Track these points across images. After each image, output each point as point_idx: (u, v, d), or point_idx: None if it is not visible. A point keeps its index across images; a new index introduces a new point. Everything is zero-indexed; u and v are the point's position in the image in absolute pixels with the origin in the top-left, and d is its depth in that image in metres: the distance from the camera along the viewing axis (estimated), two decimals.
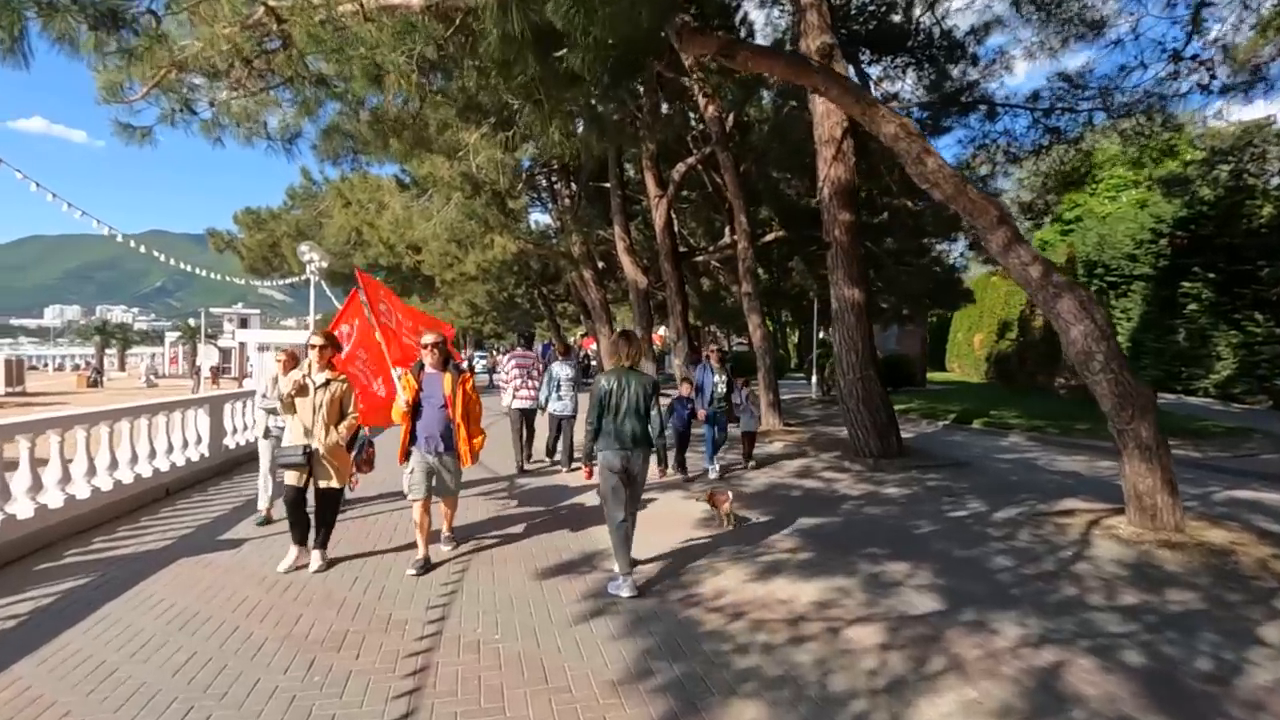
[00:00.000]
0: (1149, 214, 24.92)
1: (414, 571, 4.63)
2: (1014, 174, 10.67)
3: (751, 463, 8.79)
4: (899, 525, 6.09)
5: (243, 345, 20.13)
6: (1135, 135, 8.55)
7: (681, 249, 18.32)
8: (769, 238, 17.18)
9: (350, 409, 4.84)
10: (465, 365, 17.25)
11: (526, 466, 8.58)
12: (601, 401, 4.31)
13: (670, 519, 6.25)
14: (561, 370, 8.47)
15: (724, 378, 8.34)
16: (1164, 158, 10.02)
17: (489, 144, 11.56)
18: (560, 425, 8.63)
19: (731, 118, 13.56)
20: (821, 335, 23.33)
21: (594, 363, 32.69)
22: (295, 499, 4.71)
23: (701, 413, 8.11)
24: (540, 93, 5.73)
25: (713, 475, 8.13)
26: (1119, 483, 5.87)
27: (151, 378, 38.68)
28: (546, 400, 8.39)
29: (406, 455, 4.87)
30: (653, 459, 4.79)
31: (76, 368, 43.27)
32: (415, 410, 4.81)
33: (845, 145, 8.94)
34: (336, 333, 5.85)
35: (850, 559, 5.10)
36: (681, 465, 8.24)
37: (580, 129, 6.87)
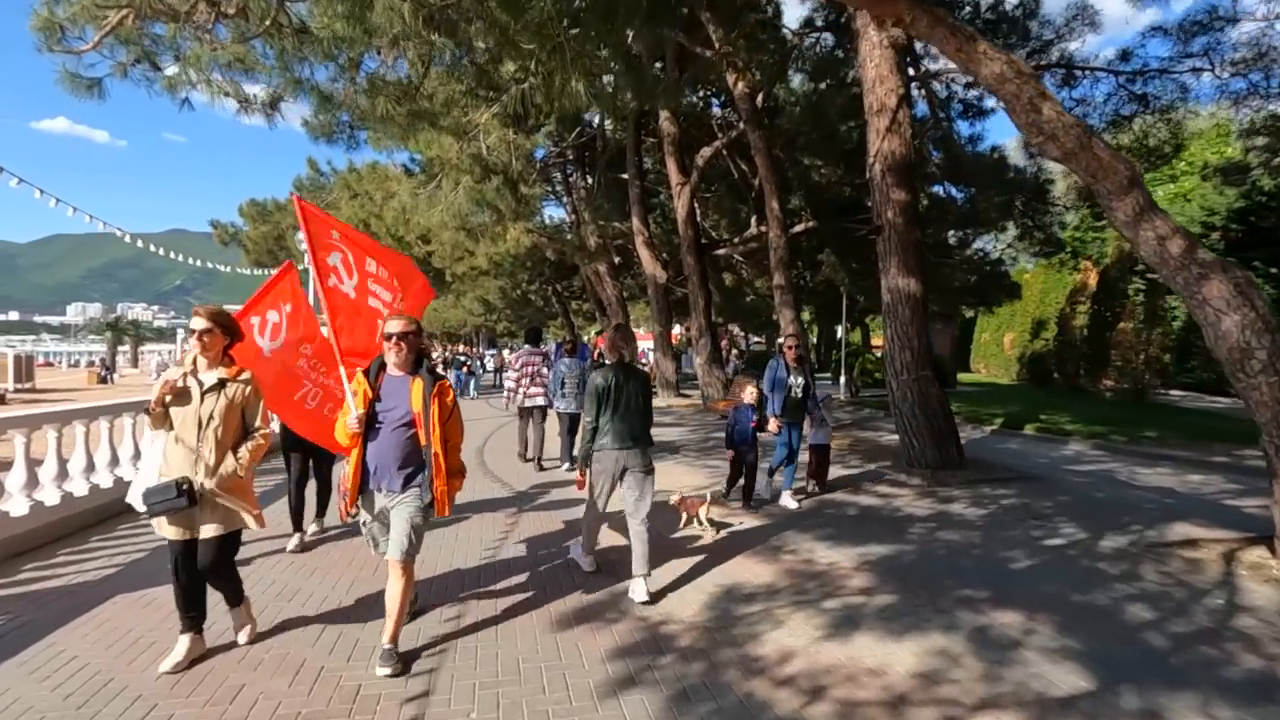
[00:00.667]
0: (1198, 205, 23.54)
1: (387, 671, 3.12)
2: None
3: (814, 485, 7.01)
4: (988, 557, 5.05)
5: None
6: (1248, 97, 7.31)
7: (703, 241, 17.31)
8: (798, 228, 16.10)
9: (256, 423, 3.32)
10: (478, 363, 16.26)
11: (542, 467, 8.42)
12: (599, 399, 4.15)
13: (711, 545, 5.26)
14: (566, 368, 8.30)
15: (802, 380, 6.57)
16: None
17: (500, 123, 10.65)
18: (569, 423, 8.34)
19: (761, 96, 12.54)
20: (841, 333, 22.19)
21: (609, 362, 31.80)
22: (182, 562, 3.19)
23: (774, 423, 6.41)
24: (561, 33, 4.77)
25: (790, 505, 6.40)
26: (1238, 505, 4.79)
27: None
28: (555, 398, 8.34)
29: (357, 500, 3.30)
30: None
31: (91, 364, 43.08)
32: (369, 430, 3.24)
33: (901, 114, 7.89)
34: (259, 320, 4.39)
35: (943, 604, 4.08)
36: (747, 493, 6.48)
37: (603, 83, 5.87)
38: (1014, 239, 14.23)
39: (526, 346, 9.12)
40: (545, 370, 8.63)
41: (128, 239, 17.66)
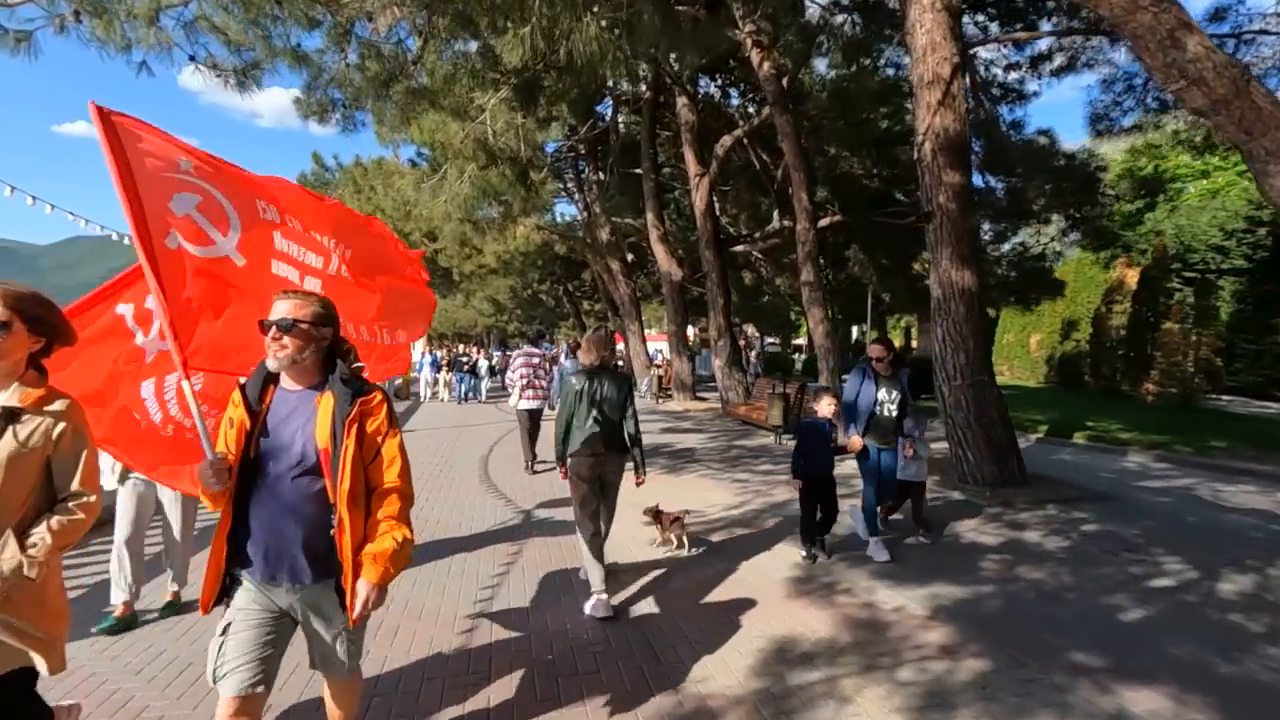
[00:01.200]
0: (1241, 199, 22.36)
1: None
2: (1159, 126, 8.55)
3: (921, 533, 5.44)
4: (1088, 603, 4.17)
5: None
6: None
7: (722, 237, 16.43)
8: (824, 222, 15.18)
9: (73, 484, 1.95)
10: (465, 361, 15.35)
11: (536, 469, 8.23)
12: (572, 403, 3.99)
13: (754, 583, 4.42)
14: (572, 369, 7.50)
15: (896, 393, 5.01)
16: None
17: (508, 107, 9.87)
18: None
19: (788, 79, 11.65)
20: (857, 333, 21.19)
21: (621, 363, 30.99)
22: None
23: (855, 440, 4.87)
24: None
25: (879, 557, 4.86)
26: None
27: None
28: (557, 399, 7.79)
29: (223, 593, 2.06)
30: (629, 471, 4.25)
31: None
32: (249, 483, 2.03)
33: (955, 86, 6.99)
34: (132, 307, 2.79)
35: (1053, 672, 3.22)
36: (815, 537, 4.88)
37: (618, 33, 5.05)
38: (1059, 232, 13.23)
39: (525, 347, 8.86)
40: (543, 372, 8.46)
41: (125, 242, 17.29)
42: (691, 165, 14.27)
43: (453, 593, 4.22)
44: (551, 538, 5.44)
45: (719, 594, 4.24)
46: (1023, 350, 32.97)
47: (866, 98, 11.58)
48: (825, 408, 4.84)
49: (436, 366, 17.62)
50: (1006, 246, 15.07)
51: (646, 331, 25.78)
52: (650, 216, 18.74)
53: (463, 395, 17.35)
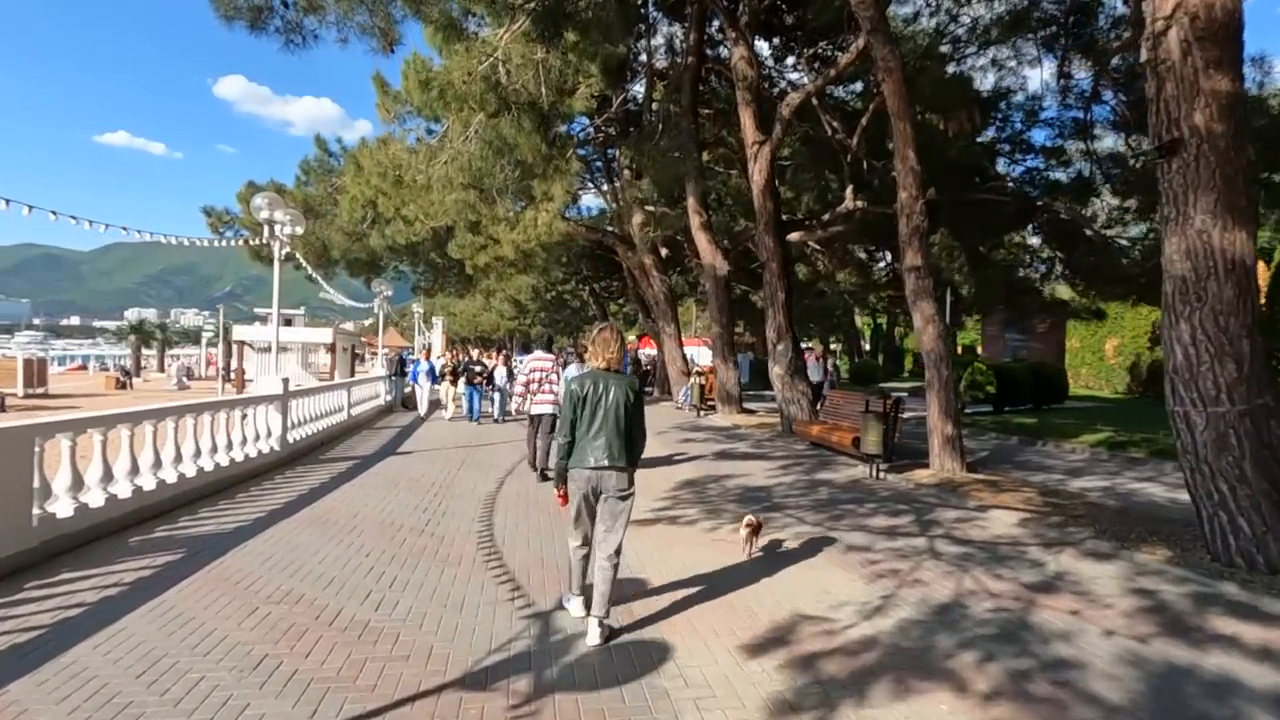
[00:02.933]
0: None
1: None
2: None
3: None
4: None
5: (241, 345, 16.91)
6: None
7: (783, 219, 13.84)
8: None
9: None
10: (479, 370, 12.76)
11: (546, 477, 7.82)
12: (574, 410, 3.51)
13: None
14: (574, 374, 7.37)
15: None
16: None
17: (524, 39, 7.50)
18: None
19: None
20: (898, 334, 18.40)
21: (651, 369, 28.48)
22: None
23: None
24: None
25: None
26: None
27: (184, 380, 36.52)
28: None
29: None
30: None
31: (105, 368, 41.78)
32: None
33: None
34: None
35: None
36: None
37: None
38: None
39: (537, 351, 8.51)
40: (555, 377, 8.16)
41: (171, 241, 15.57)
42: (749, 130, 11.76)
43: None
44: (588, 694, 2.96)
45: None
46: (1094, 356, 29.68)
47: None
48: None
49: (434, 376, 14.69)
50: (1136, 231, 12.25)
51: (686, 337, 23.26)
52: (692, 201, 16.28)
53: (475, 412, 13.88)
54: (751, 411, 16.87)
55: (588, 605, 3.58)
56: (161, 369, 45.07)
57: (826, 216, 12.60)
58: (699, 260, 23.39)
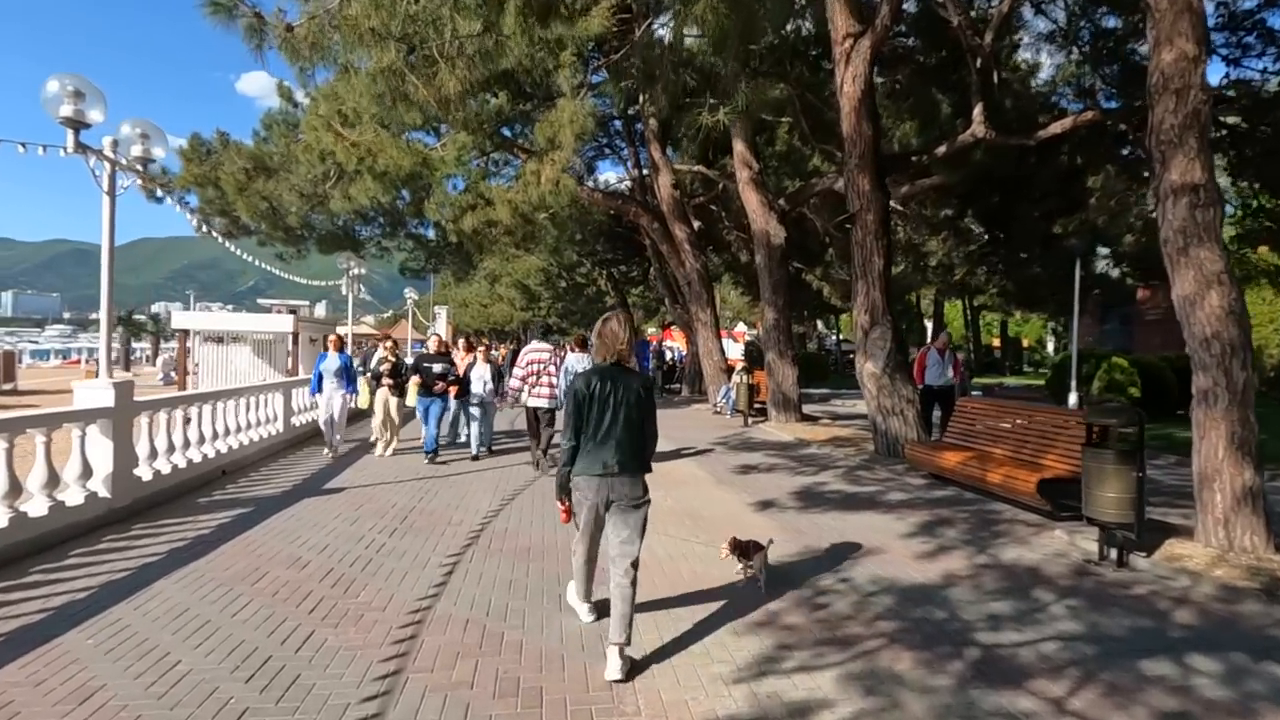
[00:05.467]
0: None
1: None
2: None
3: None
4: None
5: (184, 334, 13.92)
6: None
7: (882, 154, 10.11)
8: (1054, 128, 8.82)
9: None
10: (437, 367, 8.41)
11: (544, 467, 7.64)
12: (580, 410, 3.14)
13: None
14: (577, 365, 7.30)
15: None
16: None
17: None
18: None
19: None
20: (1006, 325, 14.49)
21: (677, 361, 24.84)
22: None
23: None
24: None
25: None
26: None
27: (171, 374, 33.81)
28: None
29: None
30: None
31: (89, 360, 39.21)
32: None
33: None
34: None
35: None
36: None
37: None
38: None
39: (533, 342, 8.51)
40: (553, 369, 7.85)
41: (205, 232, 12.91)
42: (840, 20, 8.07)
43: None
44: None
45: None
46: None
47: None
48: None
49: (349, 379, 8.57)
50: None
51: (722, 327, 19.57)
52: (739, 148, 12.66)
53: (432, 441, 8.25)
54: (812, 419, 13.24)
55: (597, 613, 3.43)
56: (154, 362, 42.52)
57: (942, 148, 8.88)
58: (738, 233, 19.76)
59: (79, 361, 49.43)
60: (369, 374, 9.15)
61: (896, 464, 8.40)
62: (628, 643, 2.98)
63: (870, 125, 8.26)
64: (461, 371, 8.82)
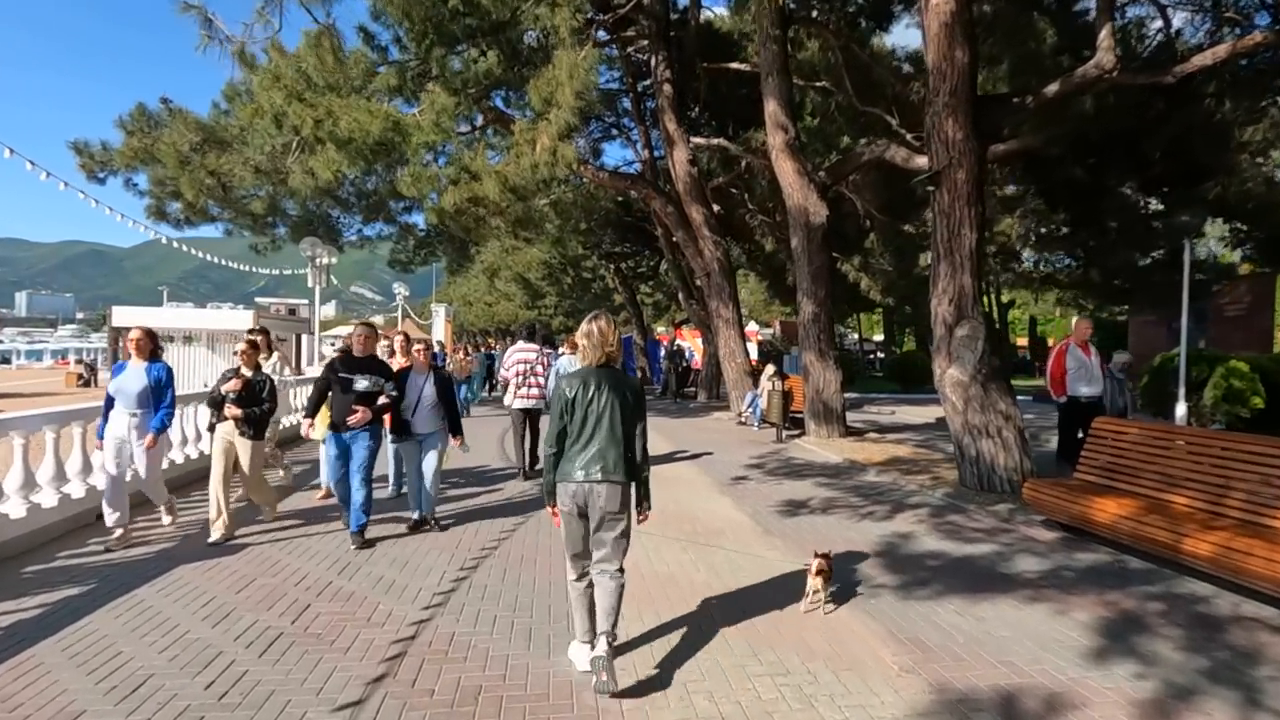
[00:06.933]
0: None
1: None
2: None
3: None
4: None
5: (115, 334, 12.18)
6: None
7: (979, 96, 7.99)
8: (1204, 56, 6.69)
9: None
10: (363, 383, 5.42)
11: (529, 472, 7.39)
12: (562, 416, 3.00)
13: None
14: (568, 366, 7.11)
15: None
16: None
17: None
18: None
19: None
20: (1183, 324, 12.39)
21: (689, 362, 22.72)
22: None
23: None
24: None
25: None
26: None
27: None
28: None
29: None
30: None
31: (80, 361, 37.62)
32: None
33: None
34: None
35: None
36: None
37: None
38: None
39: (520, 342, 7.80)
40: (540, 369, 7.57)
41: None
42: None
43: None
44: None
45: None
46: None
47: None
48: None
49: (154, 402, 4.88)
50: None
51: (745, 328, 17.41)
52: (772, 109, 10.63)
53: (358, 506, 4.79)
54: (858, 432, 11.13)
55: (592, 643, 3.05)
56: None
57: (1054, 88, 6.72)
58: (763, 217, 17.65)
59: (69, 361, 48.11)
60: (228, 398, 5.03)
61: (995, 502, 6.31)
62: (612, 633, 2.91)
63: (966, 50, 6.16)
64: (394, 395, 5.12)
